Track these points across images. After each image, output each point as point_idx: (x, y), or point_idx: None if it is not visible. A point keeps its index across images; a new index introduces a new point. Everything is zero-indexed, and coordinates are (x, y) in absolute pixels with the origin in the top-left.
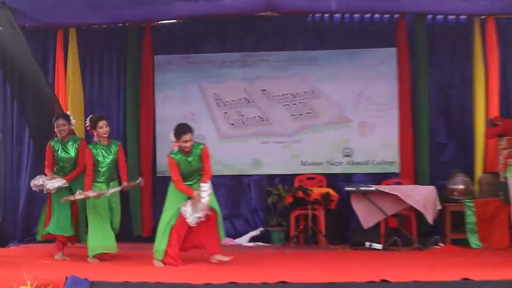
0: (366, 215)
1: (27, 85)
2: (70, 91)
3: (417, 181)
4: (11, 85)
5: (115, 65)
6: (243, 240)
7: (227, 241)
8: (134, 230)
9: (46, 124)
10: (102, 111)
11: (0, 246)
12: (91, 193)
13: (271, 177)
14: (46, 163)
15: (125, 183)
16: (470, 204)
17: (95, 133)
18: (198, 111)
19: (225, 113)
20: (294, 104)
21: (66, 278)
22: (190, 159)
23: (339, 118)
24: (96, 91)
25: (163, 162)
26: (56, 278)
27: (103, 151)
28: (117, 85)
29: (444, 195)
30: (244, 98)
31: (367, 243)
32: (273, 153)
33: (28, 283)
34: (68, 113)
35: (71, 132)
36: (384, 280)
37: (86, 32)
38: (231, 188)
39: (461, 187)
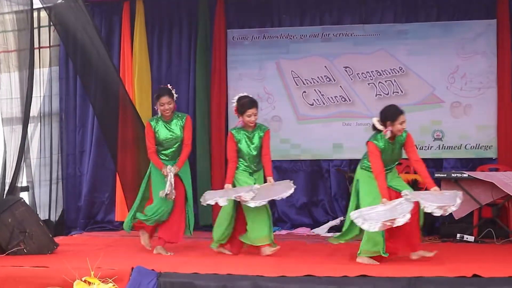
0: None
1: (91, 62)
2: (136, 68)
3: None
4: (74, 62)
5: (184, 40)
6: (322, 230)
7: (303, 230)
8: (201, 220)
9: (111, 103)
10: None
11: (63, 234)
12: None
13: (353, 162)
14: (149, 148)
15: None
16: None
17: (241, 119)
18: (274, 90)
19: (304, 92)
20: (380, 82)
21: (132, 268)
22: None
23: (430, 98)
24: (164, 69)
25: None
26: (122, 268)
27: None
28: (187, 62)
29: None
30: (325, 76)
31: (459, 235)
32: (356, 136)
33: (92, 273)
34: (170, 86)
35: (175, 109)
36: (476, 275)
37: (154, 5)
38: (309, 174)
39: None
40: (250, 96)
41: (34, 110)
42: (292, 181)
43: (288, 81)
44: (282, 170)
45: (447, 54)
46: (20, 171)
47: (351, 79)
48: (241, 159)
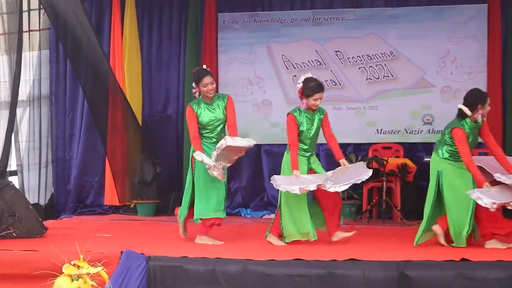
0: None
1: (81, 46)
2: (126, 52)
3: (505, 151)
4: (64, 45)
5: (175, 24)
6: None
7: None
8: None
9: (101, 88)
10: (161, 74)
11: (52, 218)
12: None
13: (343, 147)
14: (191, 133)
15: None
16: None
17: (305, 101)
18: (265, 74)
19: (295, 76)
20: (371, 67)
21: (121, 252)
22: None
23: (420, 82)
24: (155, 52)
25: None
26: (111, 252)
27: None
28: (177, 46)
29: None
30: (315, 60)
31: None
32: (346, 120)
33: (81, 257)
34: (204, 66)
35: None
36: (464, 259)
37: None
38: None
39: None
40: (316, 78)
41: (23, 94)
42: (365, 163)
43: (278, 65)
44: (272, 154)
45: (438, 38)
46: (9, 155)
47: (342, 63)
48: (300, 143)
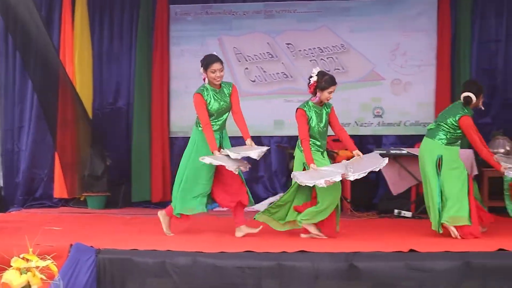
0: (396, 181)
1: (31, 39)
2: (77, 45)
3: None
4: (14, 37)
5: (126, 16)
6: (262, 207)
7: None
8: (135, 196)
9: (51, 81)
10: (112, 67)
11: (1, 211)
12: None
13: (293, 139)
14: (203, 121)
15: None
16: None
17: (319, 95)
18: None
19: (246, 68)
20: (322, 59)
21: (71, 245)
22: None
23: (370, 75)
24: (106, 45)
25: (177, 121)
26: (60, 245)
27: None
28: (129, 38)
29: (483, 160)
30: (267, 52)
31: (396, 211)
32: None
33: (30, 250)
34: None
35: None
36: (412, 250)
37: None
38: None
39: (501, 151)
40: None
41: None
42: (378, 152)
43: (230, 58)
44: None
45: (388, 31)
46: None
47: (293, 56)
48: (312, 139)
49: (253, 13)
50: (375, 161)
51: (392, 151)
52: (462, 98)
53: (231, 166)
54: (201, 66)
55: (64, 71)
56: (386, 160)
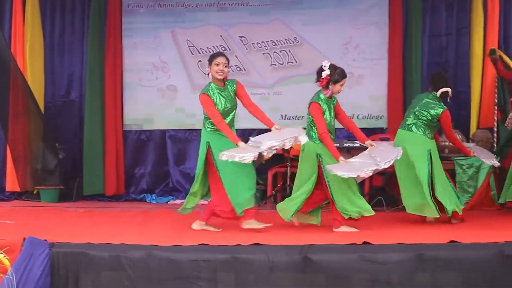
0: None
1: None
2: (28, 36)
3: None
4: None
5: (78, 7)
6: None
7: None
8: (87, 189)
9: (1, 74)
10: (64, 59)
11: None
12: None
13: (247, 132)
14: (216, 119)
15: None
16: (462, 162)
17: (331, 88)
18: (169, 59)
19: (199, 61)
20: (275, 52)
21: (24, 239)
22: None
23: None
24: (57, 36)
25: (131, 115)
26: (13, 239)
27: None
28: (81, 30)
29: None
30: (220, 45)
31: None
32: None
33: None
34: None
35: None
36: (366, 242)
37: None
38: None
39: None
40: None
41: None
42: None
43: (183, 50)
44: (177, 139)
45: (341, 25)
46: None
47: (247, 49)
48: None
49: (206, 5)
50: (391, 149)
51: (345, 144)
52: (440, 92)
53: (255, 155)
54: (208, 61)
55: (15, 63)
56: (400, 149)
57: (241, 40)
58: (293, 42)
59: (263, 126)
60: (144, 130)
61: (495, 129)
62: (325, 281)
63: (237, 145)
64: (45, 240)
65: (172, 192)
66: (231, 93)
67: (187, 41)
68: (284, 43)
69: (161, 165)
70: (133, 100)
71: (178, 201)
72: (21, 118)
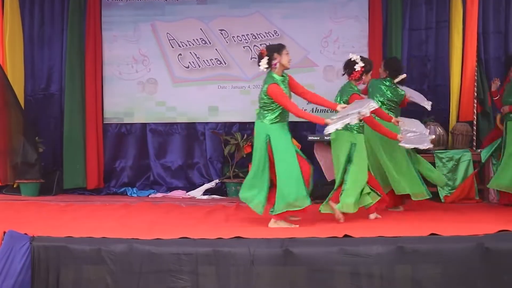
0: (330, 167)
1: None
2: (8, 28)
3: None
4: None
5: (57, 0)
6: (197, 193)
7: (179, 193)
8: (67, 182)
9: None
10: (44, 52)
11: None
12: None
13: (228, 125)
14: (292, 106)
15: None
16: (441, 156)
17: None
18: (149, 53)
19: (180, 55)
20: (255, 46)
21: (4, 233)
22: None
23: (303, 62)
24: (37, 28)
25: (111, 108)
26: None
27: None
28: (60, 22)
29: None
30: (200, 38)
31: None
32: (231, 99)
33: None
34: None
35: None
36: (347, 235)
37: None
38: (184, 136)
39: (433, 136)
40: None
41: None
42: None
43: (163, 44)
44: (158, 132)
45: (321, 18)
46: None
47: (227, 42)
48: (358, 121)
49: None
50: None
51: (326, 137)
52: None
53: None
54: (274, 52)
55: None
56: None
57: (221, 33)
58: (273, 35)
59: (244, 119)
60: (125, 124)
61: (475, 122)
62: (306, 273)
63: (336, 110)
64: (25, 234)
65: (153, 186)
66: (287, 83)
67: (167, 34)
68: (264, 36)
69: (142, 158)
70: (113, 94)
71: (159, 195)
72: (0, 112)
